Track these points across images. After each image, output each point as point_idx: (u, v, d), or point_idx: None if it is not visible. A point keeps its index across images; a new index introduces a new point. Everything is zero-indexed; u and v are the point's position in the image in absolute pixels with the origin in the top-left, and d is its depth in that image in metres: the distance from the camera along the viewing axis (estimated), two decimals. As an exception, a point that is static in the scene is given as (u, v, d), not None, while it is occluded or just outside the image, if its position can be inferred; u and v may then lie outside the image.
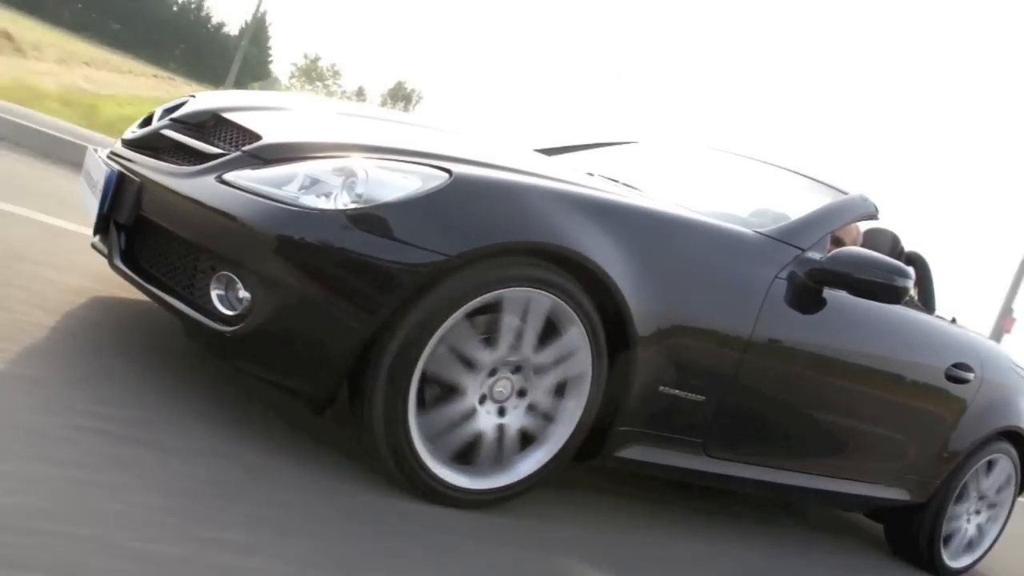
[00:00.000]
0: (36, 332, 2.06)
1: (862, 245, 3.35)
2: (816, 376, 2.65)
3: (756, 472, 2.68)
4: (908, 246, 3.54)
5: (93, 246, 2.30)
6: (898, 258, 3.37)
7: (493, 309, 1.97)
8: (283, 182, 1.92)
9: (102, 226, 2.21)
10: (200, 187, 1.98)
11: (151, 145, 2.29)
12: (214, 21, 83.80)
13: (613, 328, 2.10)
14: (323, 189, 1.90)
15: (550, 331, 2.06)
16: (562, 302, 2.03)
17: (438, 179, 1.93)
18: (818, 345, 2.62)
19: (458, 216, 1.91)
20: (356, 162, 1.95)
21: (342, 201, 1.87)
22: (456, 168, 1.98)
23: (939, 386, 3.13)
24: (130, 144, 2.35)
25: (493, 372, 2.02)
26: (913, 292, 3.49)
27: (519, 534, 2.07)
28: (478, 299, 1.92)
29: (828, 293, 2.64)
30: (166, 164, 2.14)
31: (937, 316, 3.41)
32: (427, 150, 2.14)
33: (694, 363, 2.29)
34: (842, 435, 2.88)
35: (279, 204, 1.86)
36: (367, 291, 1.83)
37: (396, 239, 1.85)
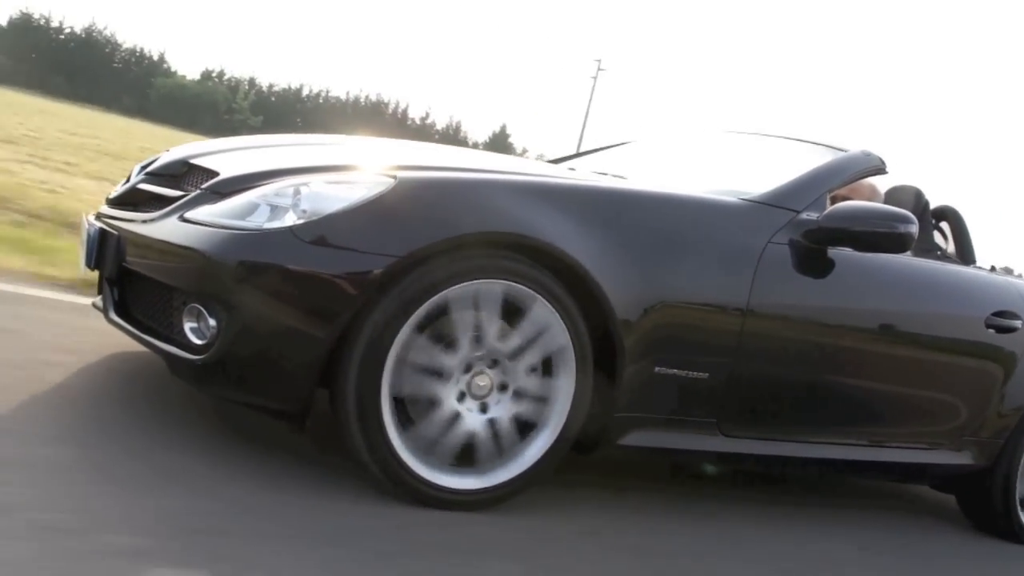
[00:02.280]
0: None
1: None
2: (835, 340, 2.55)
3: (782, 448, 2.59)
4: (951, 200, 3.42)
5: (94, 305, 2.43)
6: (922, 212, 3.20)
7: (444, 312, 1.98)
8: (237, 211, 2.01)
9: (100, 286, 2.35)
10: (166, 228, 2.07)
11: (130, 200, 2.41)
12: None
13: (590, 310, 2.09)
14: (275, 212, 1.98)
15: (513, 315, 2.06)
16: (515, 284, 2.02)
17: (382, 185, 1.98)
18: (832, 307, 2.54)
19: (404, 217, 1.95)
20: (300, 180, 2.02)
21: (290, 219, 1.93)
22: (401, 174, 2.04)
23: (982, 339, 2.94)
24: (112, 202, 2.49)
25: (468, 369, 2.03)
26: (948, 246, 3.32)
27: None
28: (439, 296, 1.94)
29: (835, 253, 2.56)
30: (141, 214, 2.26)
31: (975, 267, 3.23)
32: (374, 162, 2.21)
33: (687, 340, 2.26)
34: (876, 400, 2.74)
35: (233, 232, 1.94)
36: (322, 302, 1.88)
37: (343, 247, 1.90)
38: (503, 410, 2.09)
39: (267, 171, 2.16)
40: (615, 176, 2.83)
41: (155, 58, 74.11)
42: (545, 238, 2.03)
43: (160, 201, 2.27)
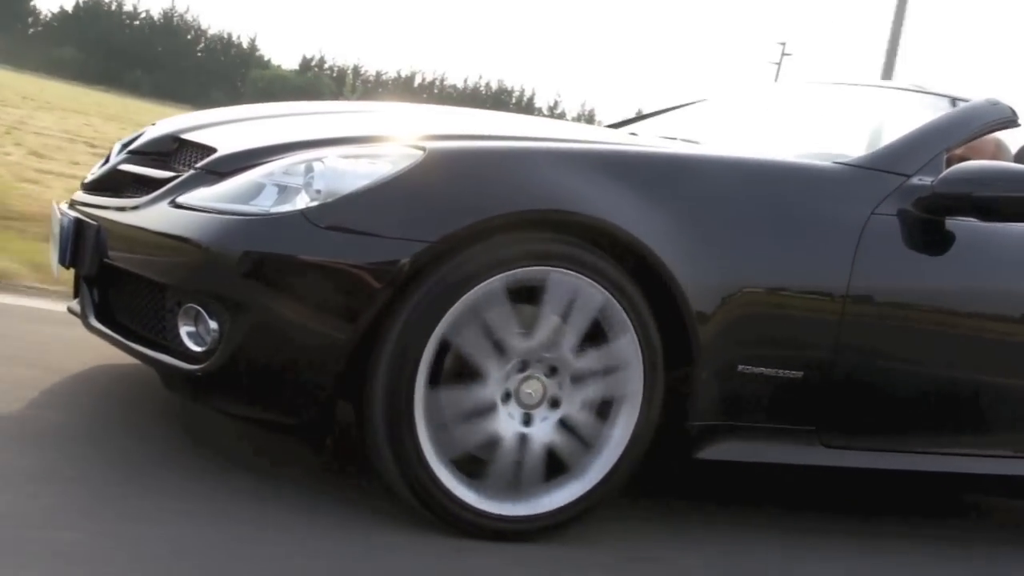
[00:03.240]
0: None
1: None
2: (957, 329, 2.58)
3: (896, 461, 2.61)
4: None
5: (69, 310, 2.56)
6: None
7: (522, 297, 2.05)
8: (239, 193, 2.09)
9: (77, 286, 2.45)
10: (155, 216, 2.16)
11: (110, 185, 2.53)
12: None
13: (661, 304, 2.16)
14: (284, 194, 2.05)
15: (593, 330, 2.14)
16: (568, 271, 2.08)
17: (409, 158, 2.05)
18: (951, 290, 2.56)
19: (436, 196, 2.03)
20: (313, 155, 2.10)
21: (302, 201, 2.00)
22: (431, 144, 2.11)
23: None
24: (89, 187, 2.60)
25: (524, 367, 2.10)
26: None
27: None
28: (478, 288, 2.00)
29: (955, 224, 2.59)
30: (123, 200, 2.36)
31: None
32: (399, 132, 2.29)
33: (775, 333, 2.31)
34: (1014, 400, 2.74)
35: (235, 218, 2.02)
36: (341, 298, 1.96)
37: (366, 233, 1.98)
38: (543, 431, 2.13)
39: (273, 146, 2.23)
40: (686, 141, 2.90)
41: (245, 46, 75.88)
42: (603, 216, 2.10)
43: (146, 184, 2.36)
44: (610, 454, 2.18)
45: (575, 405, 2.14)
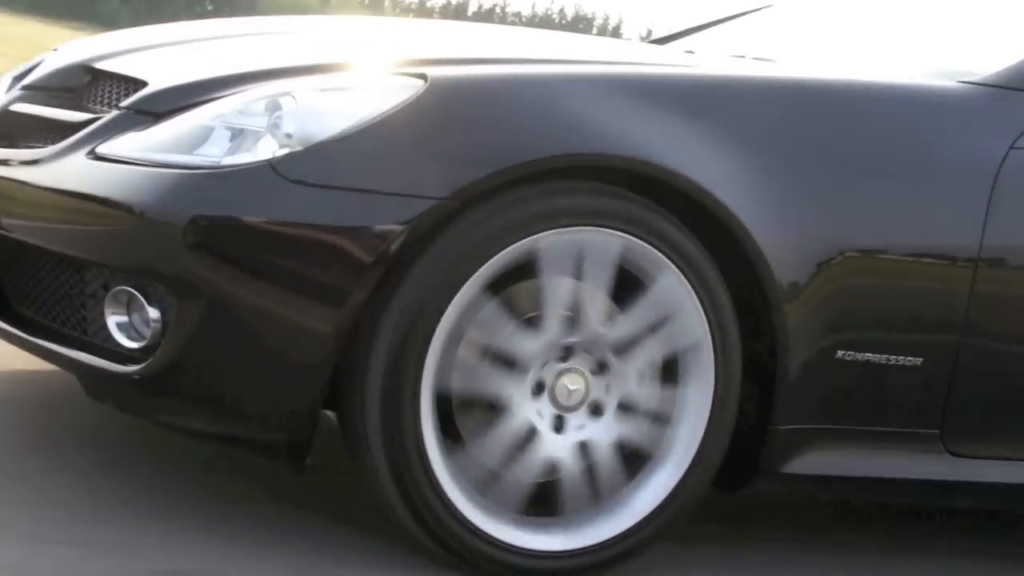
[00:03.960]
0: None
1: None
2: None
3: None
4: None
5: None
6: None
7: (526, 272, 1.99)
8: (182, 140, 2.01)
9: None
10: (68, 171, 2.06)
11: (1, 131, 2.39)
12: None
13: (735, 275, 2.11)
14: (241, 139, 1.98)
15: (629, 287, 2.07)
16: (637, 240, 2.02)
17: (407, 89, 1.97)
18: None
19: (444, 139, 1.96)
20: (278, 89, 2.02)
21: (267, 149, 1.92)
22: (434, 71, 2.02)
23: None
24: None
25: (565, 356, 2.05)
26: None
27: None
28: (499, 257, 1.95)
29: None
30: (21, 151, 2.24)
31: None
32: (390, 55, 2.21)
33: (886, 308, 2.25)
34: None
35: (178, 172, 1.94)
36: (323, 276, 1.89)
37: (354, 189, 1.91)
38: (602, 430, 2.10)
39: (223, 77, 2.15)
40: (758, 60, 2.81)
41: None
42: (659, 160, 2.03)
43: (53, 129, 2.25)
44: (675, 467, 2.15)
45: (630, 402, 2.11)
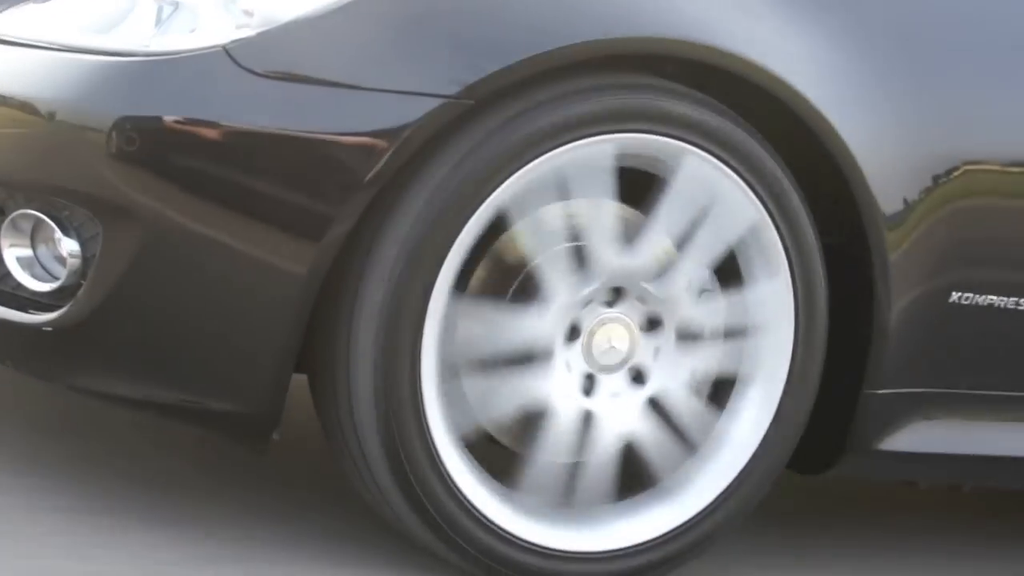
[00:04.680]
0: None
1: None
2: None
3: None
4: None
5: None
6: None
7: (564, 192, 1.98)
8: (102, 16, 1.96)
9: None
10: None
11: None
12: None
13: (816, 187, 2.08)
14: (180, 15, 1.94)
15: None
16: (700, 152, 1.98)
17: None
18: None
19: (454, 18, 1.92)
20: None
21: (222, 30, 1.86)
22: None
23: None
24: None
25: (613, 300, 2.05)
26: None
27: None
28: (523, 174, 1.91)
29: None
30: None
31: None
32: None
33: (1018, 237, 2.22)
34: None
35: (100, 59, 1.88)
36: (296, 199, 1.85)
37: (332, 84, 1.85)
38: (622, 411, 2.07)
39: None
40: None
41: None
42: (725, 45, 1.98)
43: None
44: (727, 461, 2.12)
45: (675, 378, 2.08)
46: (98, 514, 2.08)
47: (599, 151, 1.95)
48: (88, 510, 2.09)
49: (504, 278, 2.00)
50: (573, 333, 2.01)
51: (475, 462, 2.00)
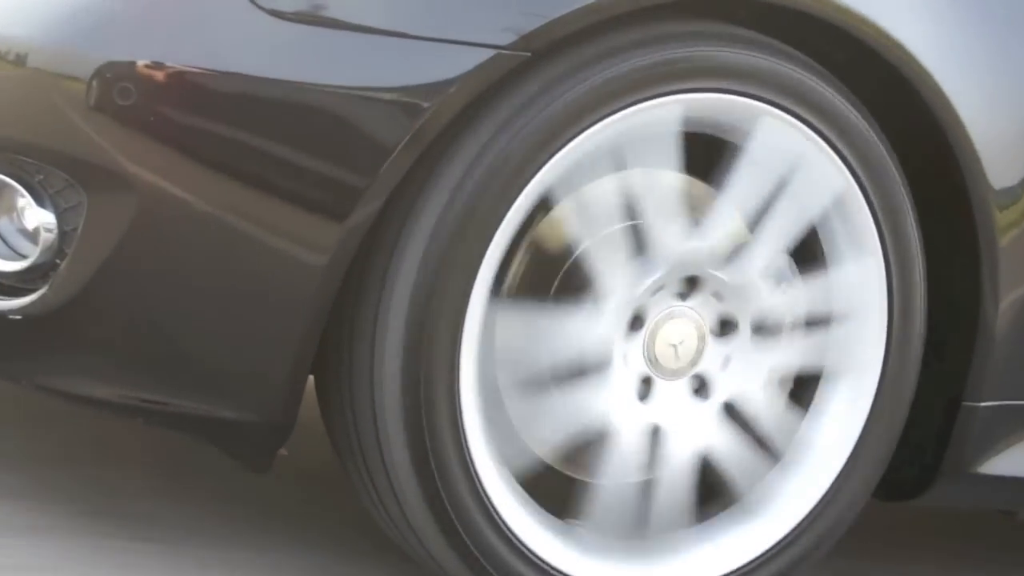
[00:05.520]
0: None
1: None
2: None
3: None
4: None
5: None
6: None
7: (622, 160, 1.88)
8: None
9: None
10: None
11: None
12: None
13: (919, 161, 2.01)
14: None
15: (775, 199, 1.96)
16: (788, 118, 1.89)
17: None
18: None
19: None
20: None
21: None
22: None
23: None
24: None
25: (686, 292, 1.95)
26: None
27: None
28: (585, 139, 1.80)
29: None
30: None
31: None
32: None
33: None
34: None
35: None
36: (318, 165, 1.73)
37: (365, 30, 1.73)
38: (740, 378, 1.98)
39: None
40: None
41: None
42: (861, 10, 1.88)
43: None
44: (816, 470, 2.04)
45: (752, 380, 2.00)
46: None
47: (667, 113, 1.85)
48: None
49: (547, 271, 1.89)
50: (635, 323, 1.92)
51: (527, 494, 1.90)
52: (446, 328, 1.76)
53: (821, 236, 1.98)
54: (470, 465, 1.81)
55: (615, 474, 1.91)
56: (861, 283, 1.99)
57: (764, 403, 2.01)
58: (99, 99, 1.68)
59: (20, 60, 1.71)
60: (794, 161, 1.92)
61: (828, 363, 2.03)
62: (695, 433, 1.97)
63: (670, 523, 1.97)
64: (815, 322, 2.00)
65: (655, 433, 1.94)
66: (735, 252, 1.93)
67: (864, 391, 2.02)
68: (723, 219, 1.92)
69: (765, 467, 2.02)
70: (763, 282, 1.95)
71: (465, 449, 1.80)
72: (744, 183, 1.91)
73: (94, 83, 1.66)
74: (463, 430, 1.80)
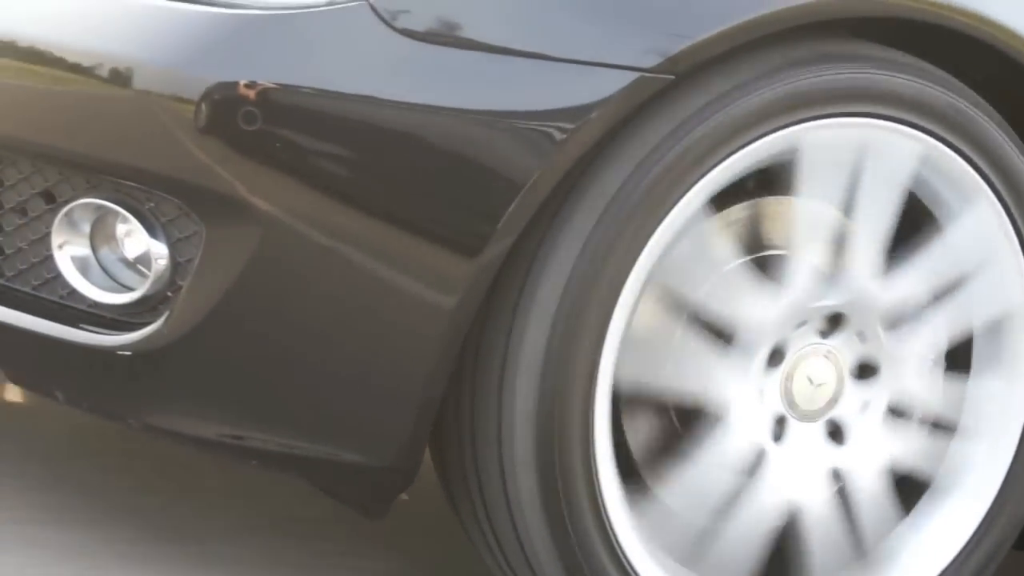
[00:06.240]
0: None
1: None
2: None
3: None
4: None
5: None
6: None
7: (760, 188, 1.89)
8: None
9: None
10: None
11: None
12: None
13: None
14: None
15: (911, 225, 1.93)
16: (943, 147, 1.86)
17: None
18: None
19: None
20: None
21: None
22: None
23: None
24: None
25: (828, 330, 1.92)
26: None
27: None
28: (730, 164, 1.77)
29: None
30: None
31: None
32: None
33: None
34: None
35: (198, 9, 1.69)
36: (452, 197, 1.68)
37: (502, 51, 1.68)
38: (863, 450, 1.95)
39: None
40: None
41: None
42: (990, 12, 1.84)
43: None
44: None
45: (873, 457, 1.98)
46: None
47: (827, 139, 1.82)
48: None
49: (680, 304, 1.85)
50: (774, 358, 1.89)
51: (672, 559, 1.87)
52: (582, 369, 1.72)
53: (973, 284, 1.95)
54: (609, 529, 1.77)
55: (755, 522, 1.87)
56: (1008, 328, 1.97)
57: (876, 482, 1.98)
58: (221, 123, 1.63)
59: (125, 80, 1.66)
60: (951, 203, 1.90)
61: (966, 415, 2.00)
62: (802, 485, 1.94)
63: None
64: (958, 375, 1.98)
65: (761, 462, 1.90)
66: (910, 312, 1.91)
67: (1008, 442, 2.00)
68: (909, 274, 1.90)
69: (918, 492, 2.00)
70: (915, 330, 1.92)
71: (604, 512, 1.77)
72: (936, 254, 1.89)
73: (214, 106, 1.61)
74: (597, 482, 1.76)
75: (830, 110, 1.80)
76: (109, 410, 1.84)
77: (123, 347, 1.68)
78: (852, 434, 1.94)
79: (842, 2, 1.80)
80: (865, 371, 1.94)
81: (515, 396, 1.71)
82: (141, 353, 1.68)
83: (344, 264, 1.67)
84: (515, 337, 1.72)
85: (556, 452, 1.72)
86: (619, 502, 1.78)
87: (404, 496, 1.79)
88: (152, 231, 1.67)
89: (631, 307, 1.74)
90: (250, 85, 1.62)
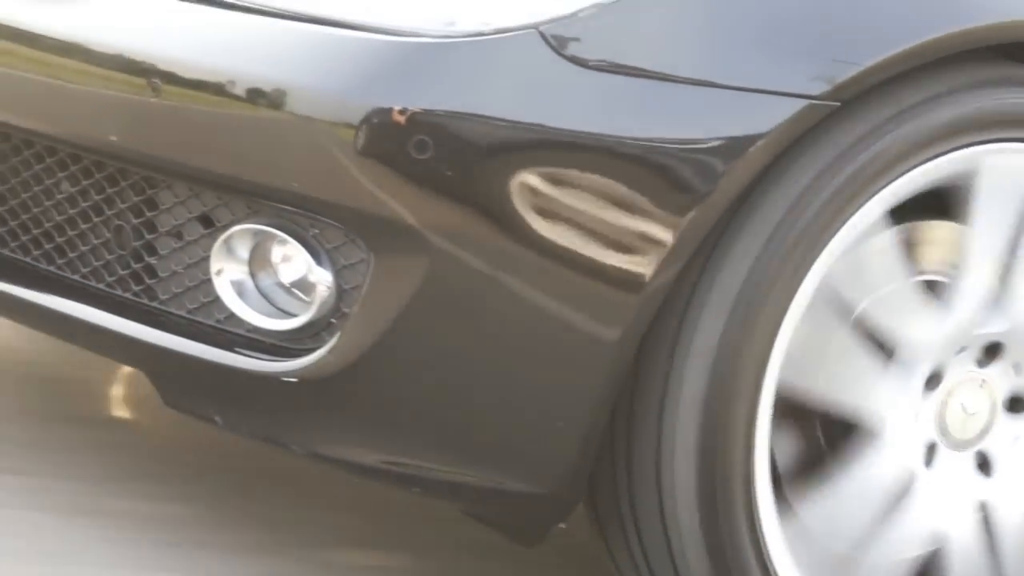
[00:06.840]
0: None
1: None
2: None
3: None
4: None
5: None
6: None
7: (932, 207, 1.84)
8: None
9: None
10: (129, 17, 1.80)
11: None
12: None
13: None
14: None
15: None
16: None
17: None
18: None
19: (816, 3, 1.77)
20: None
21: (534, 8, 1.65)
22: None
23: None
24: None
25: (985, 360, 1.90)
26: None
27: None
28: (897, 187, 1.75)
29: None
30: None
31: None
32: None
33: None
34: None
35: (366, 37, 1.68)
36: (618, 229, 1.65)
37: (669, 79, 1.65)
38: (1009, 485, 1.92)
39: None
40: None
41: None
42: None
43: None
44: None
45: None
46: None
47: (1004, 163, 1.82)
48: None
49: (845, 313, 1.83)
50: (931, 381, 1.86)
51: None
52: (744, 404, 1.72)
53: None
54: (768, 562, 1.76)
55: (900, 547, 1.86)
56: None
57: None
58: (392, 151, 1.61)
59: (293, 105, 1.65)
60: None
61: None
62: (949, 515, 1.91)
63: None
64: None
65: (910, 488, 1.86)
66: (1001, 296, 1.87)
67: None
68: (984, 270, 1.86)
69: None
70: None
71: (762, 544, 1.76)
72: None
73: (385, 134, 1.61)
74: (756, 507, 1.75)
75: (998, 135, 1.79)
76: (271, 436, 1.82)
77: (289, 373, 1.68)
78: (1000, 467, 1.91)
79: (1013, 25, 1.77)
80: (1016, 404, 1.91)
81: (675, 426, 1.70)
82: (307, 380, 1.68)
83: (511, 295, 1.67)
84: (676, 369, 1.71)
85: (717, 482, 1.71)
86: (777, 533, 1.77)
87: (562, 524, 1.78)
88: (317, 257, 1.66)
89: (791, 335, 1.73)
90: (422, 113, 1.60)
